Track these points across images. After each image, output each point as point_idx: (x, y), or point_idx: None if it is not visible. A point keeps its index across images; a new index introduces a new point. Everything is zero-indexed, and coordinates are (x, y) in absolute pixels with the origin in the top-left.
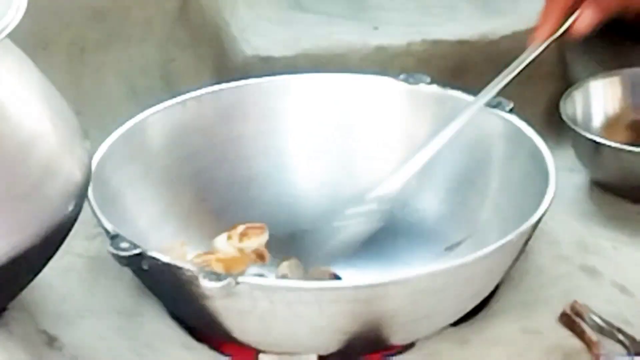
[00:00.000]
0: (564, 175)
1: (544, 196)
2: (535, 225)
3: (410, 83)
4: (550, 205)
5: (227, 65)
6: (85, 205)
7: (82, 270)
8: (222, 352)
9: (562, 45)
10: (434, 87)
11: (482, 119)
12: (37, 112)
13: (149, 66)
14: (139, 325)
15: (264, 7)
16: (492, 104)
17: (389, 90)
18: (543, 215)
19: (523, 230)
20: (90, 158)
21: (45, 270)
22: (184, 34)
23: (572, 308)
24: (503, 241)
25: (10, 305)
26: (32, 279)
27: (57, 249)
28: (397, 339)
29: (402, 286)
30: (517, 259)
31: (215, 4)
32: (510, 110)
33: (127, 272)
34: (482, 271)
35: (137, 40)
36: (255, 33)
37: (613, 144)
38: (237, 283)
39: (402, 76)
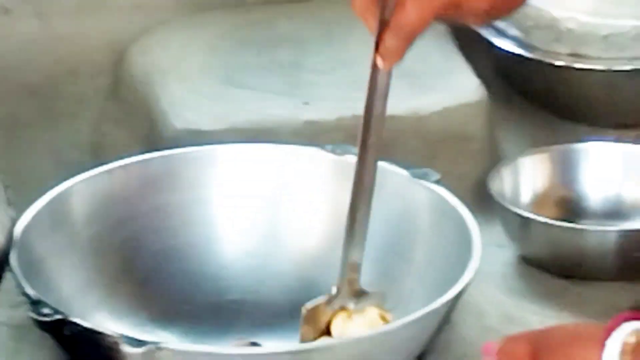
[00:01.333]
0: (492, 251)
1: (468, 266)
2: (459, 295)
3: (337, 154)
4: (474, 274)
5: (157, 139)
6: (9, 274)
7: (5, 339)
8: None
9: (493, 122)
10: None
11: (409, 189)
12: None
13: (79, 141)
14: None
15: (195, 82)
16: (419, 175)
17: (316, 161)
18: (468, 284)
19: (447, 299)
20: (13, 224)
21: None
22: (115, 109)
23: None
24: (427, 309)
25: None
26: None
27: None
28: None
29: (326, 353)
30: (440, 328)
31: (146, 79)
32: (437, 182)
33: (50, 341)
34: (405, 339)
35: (68, 116)
36: (186, 107)
37: (541, 219)
38: (159, 349)
39: (329, 147)
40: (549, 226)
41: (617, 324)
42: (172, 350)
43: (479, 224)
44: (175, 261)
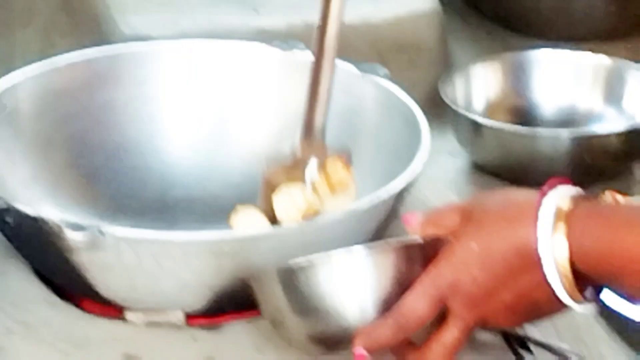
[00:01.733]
0: (444, 159)
1: (416, 157)
2: (407, 186)
3: (284, 49)
4: (423, 166)
5: None
6: None
7: None
8: (87, 310)
9: (445, 32)
10: (308, 53)
11: (357, 84)
12: None
13: (29, 51)
14: (3, 284)
15: None
16: (367, 70)
17: (263, 56)
18: (417, 176)
19: (394, 189)
20: None
21: None
22: (65, 19)
23: None
24: (374, 198)
25: None
26: None
27: None
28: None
29: (271, 240)
30: (389, 219)
31: None
32: (385, 77)
33: None
34: (351, 228)
35: (18, 26)
36: (135, 14)
37: (494, 123)
38: (102, 234)
39: (275, 42)
40: (501, 131)
41: (551, 187)
42: (115, 236)
43: (431, 132)
44: (121, 157)
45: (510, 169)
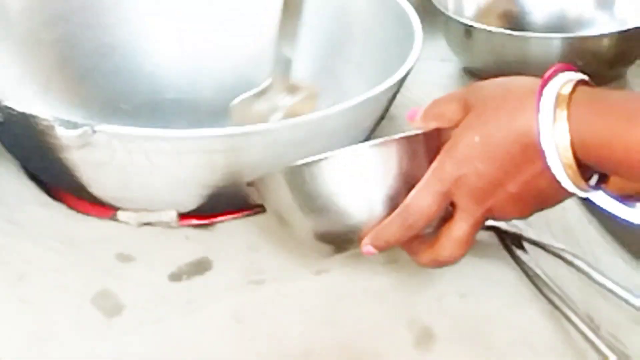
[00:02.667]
0: (436, 65)
1: (409, 56)
2: (399, 83)
3: None
4: (415, 63)
5: None
6: None
7: None
8: (79, 211)
9: None
10: None
11: None
12: None
13: None
14: None
15: None
16: None
17: None
18: (408, 72)
19: (387, 86)
20: None
21: None
22: None
23: None
24: (366, 95)
25: None
26: None
27: None
28: (257, 196)
29: (262, 137)
30: (381, 118)
31: None
32: None
33: None
34: (345, 125)
35: None
36: None
37: (485, 27)
38: (94, 132)
39: None
40: (492, 34)
41: (553, 75)
42: (108, 133)
43: (423, 38)
44: (111, 59)
45: (501, 74)
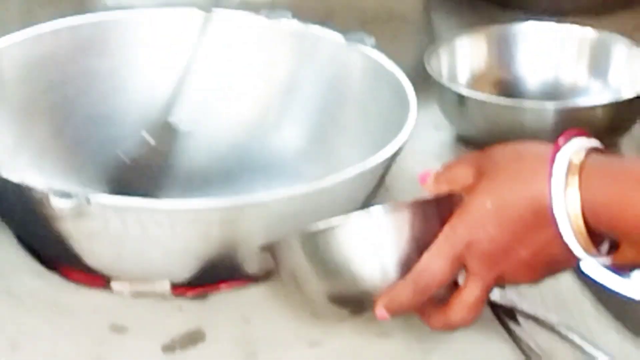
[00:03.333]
0: (429, 132)
1: (404, 126)
2: (394, 155)
3: (270, 18)
4: (410, 134)
5: None
6: None
7: None
8: (73, 280)
9: (428, 2)
10: (295, 22)
11: (344, 54)
12: None
13: (9, 22)
14: None
15: None
16: (354, 39)
17: (249, 25)
18: (403, 144)
19: (382, 158)
20: None
21: None
22: None
23: None
24: (361, 167)
25: None
26: None
27: None
28: (252, 267)
29: (258, 208)
30: (376, 189)
31: None
32: (372, 46)
33: None
34: (339, 197)
35: None
36: None
37: (479, 95)
38: (89, 202)
39: (262, 11)
40: (486, 103)
41: (565, 142)
42: (102, 204)
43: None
44: (105, 127)
45: (495, 142)
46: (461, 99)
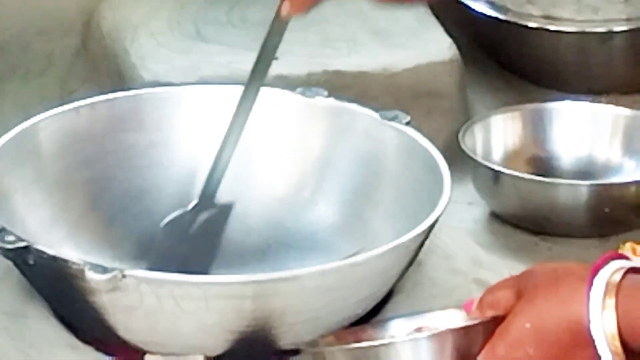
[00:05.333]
0: (463, 208)
1: (438, 202)
2: (428, 230)
3: (307, 96)
4: (444, 210)
5: None
6: None
7: None
8: (107, 353)
9: (464, 81)
10: (331, 100)
11: (379, 131)
12: None
13: (47, 97)
14: (24, 325)
15: (164, 37)
16: (389, 117)
17: (285, 102)
18: (437, 219)
19: (415, 233)
20: None
21: None
22: (84, 67)
23: None
24: (395, 242)
25: None
26: None
27: None
28: (285, 342)
29: (292, 283)
30: (409, 264)
31: (115, 35)
32: (407, 124)
33: (14, 274)
34: (373, 272)
35: (36, 73)
36: (155, 61)
37: (513, 172)
38: (124, 276)
39: (299, 89)
40: (520, 180)
41: (604, 263)
42: (137, 278)
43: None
44: (142, 201)
45: (529, 219)
46: (495, 175)
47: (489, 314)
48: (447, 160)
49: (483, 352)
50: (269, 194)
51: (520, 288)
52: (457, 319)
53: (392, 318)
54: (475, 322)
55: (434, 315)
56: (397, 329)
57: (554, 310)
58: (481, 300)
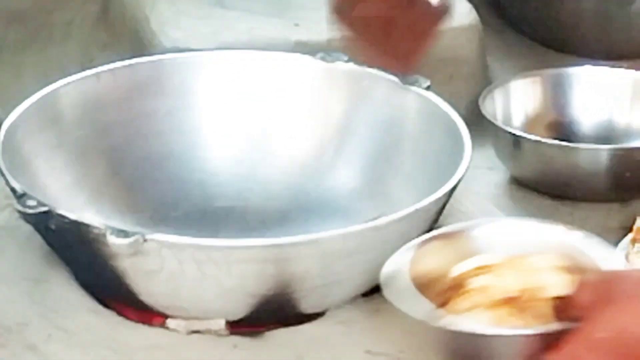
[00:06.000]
0: (484, 173)
1: (459, 167)
2: (449, 194)
3: (327, 61)
4: (464, 174)
5: None
6: None
7: None
8: (129, 318)
9: (484, 47)
10: (351, 65)
11: (399, 95)
12: None
13: (68, 65)
14: (46, 291)
15: (184, 3)
16: (409, 81)
17: (306, 68)
18: (457, 183)
19: (437, 197)
20: (0, 120)
21: None
22: (104, 34)
23: None
24: (416, 206)
25: None
26: None
27: None
28: (307, 306)
29: (313, 247)
30: (430, 228)
31: (136, 2)
32: (427, 88)
33: (35, 241)
34: (394, 236)
35: (57, 41)
36: (175, 27)
37: (533, 137)
38: (145, 240)
39: (319, 54)
40: (541, 144)
41: None
42: (159, 242)
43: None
44: (163, 167)
45: (550, 184)
46: (516, 140)
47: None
48: (467, 126)
49: (559, 353)
50: (289, 159)
51: (603, 291)
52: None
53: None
54: (550, 328)
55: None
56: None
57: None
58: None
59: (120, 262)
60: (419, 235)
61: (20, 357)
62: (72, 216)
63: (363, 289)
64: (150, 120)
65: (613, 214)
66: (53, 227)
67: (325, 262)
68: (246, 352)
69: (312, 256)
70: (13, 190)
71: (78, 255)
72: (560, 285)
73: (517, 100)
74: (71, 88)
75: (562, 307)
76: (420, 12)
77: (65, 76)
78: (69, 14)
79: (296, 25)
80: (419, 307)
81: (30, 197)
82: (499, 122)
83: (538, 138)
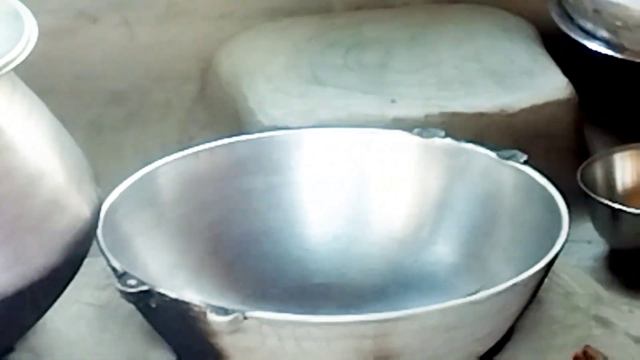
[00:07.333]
0: (582, 247)
1: (557, 239)
2: (547, 268)
3: (424, 137)
4: (562, 247)
5: None
6: (97, 259)
7: (91, 318)
8: None
9: (581, 120)
10: (448, 140)
11: (496, 170)
12: (46, 148)
13: (166, 144)
14: None
15: (282, 81)
16: (506, 156)
17: (403, 144)
18: (556, 256)
19: (535, 271)
20: (100, 199)
21: (54, 316)
22: (202, 113)
23: (585, 352)
24: (514, 280)
25: (18, 346)
26: (38, 317)
27: (64, 286)
28: None
29: (412, 322)
30: (529, 303)
31: (233, 80)
32: (525, 162)
33: (136, 319)
34: (493, 310)
35: (155, 120)
36: (273, 105)
37: (633, 210)
38: (245, 318)
39: (416, 130)
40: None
41: None
42: (259, 319)
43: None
44: (261, 244)
45: None
46: (615, 213)
47: None
48: (565, 200)
49: None
50: (387, 235)
51: None
52: None
53: None
54: None
55: None
56: None
57: None
58: None
59: (220, 339)
60: (518, 308)
61: None
62: (173, 294)
63: None
64: (249, 198)
65: None
66: (154, 305)
67: (424, 337)
68: None
69: (411, 331)
70: (114, 269)
71: (178, 333)
72: None
73: (617, 173)
74: (170, 167)
75: None
76: None
77: (164, 155)
78: (167, 93)
79: (393, 101)
80: None
81: (131, 277)
82: (597, 195)
83: (637, 210)
